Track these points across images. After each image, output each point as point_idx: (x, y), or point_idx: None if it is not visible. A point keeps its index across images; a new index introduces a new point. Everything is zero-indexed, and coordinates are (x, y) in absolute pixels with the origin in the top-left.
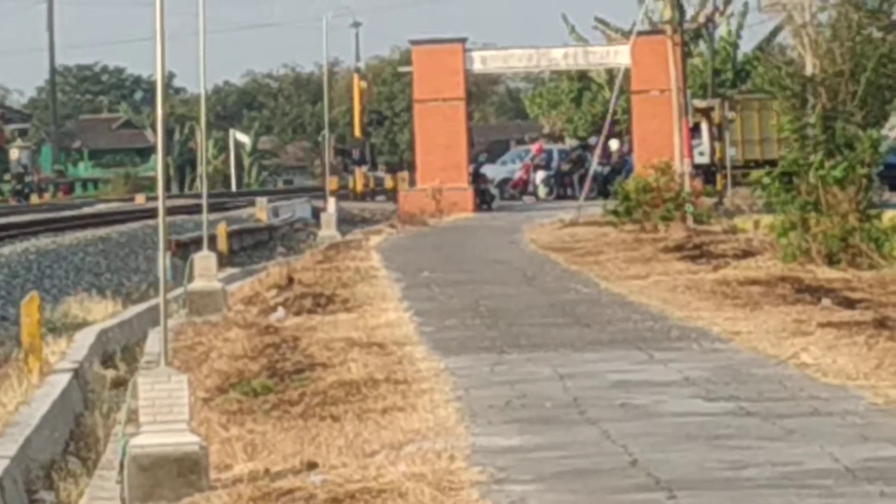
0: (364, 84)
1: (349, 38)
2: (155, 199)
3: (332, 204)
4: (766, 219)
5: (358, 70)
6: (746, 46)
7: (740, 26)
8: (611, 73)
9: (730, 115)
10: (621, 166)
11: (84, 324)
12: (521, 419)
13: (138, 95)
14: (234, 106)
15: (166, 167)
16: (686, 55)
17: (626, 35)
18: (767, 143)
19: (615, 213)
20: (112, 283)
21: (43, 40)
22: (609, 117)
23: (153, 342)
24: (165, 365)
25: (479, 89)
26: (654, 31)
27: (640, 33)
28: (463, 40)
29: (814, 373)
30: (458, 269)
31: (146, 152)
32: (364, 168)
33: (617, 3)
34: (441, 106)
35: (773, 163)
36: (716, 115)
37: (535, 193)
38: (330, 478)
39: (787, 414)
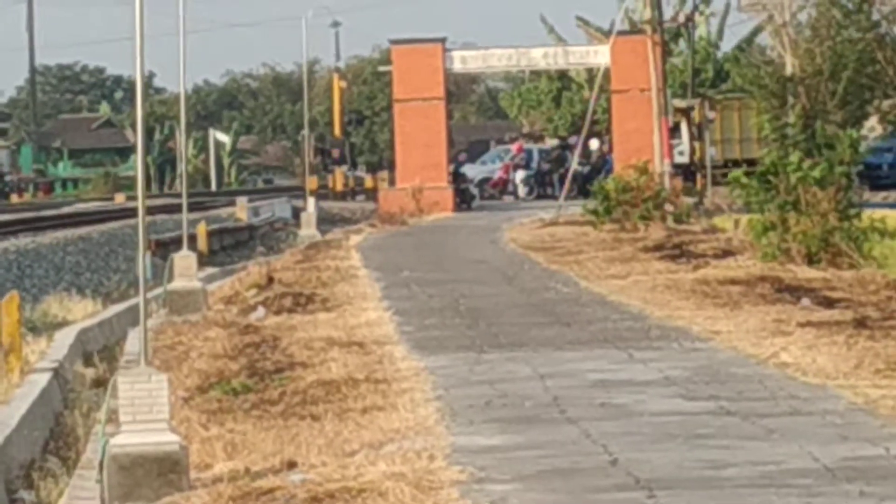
0: (344, 83)
1: (329, 38)
2: (135, 198)
3: (311, 203)
4: (746, 218)
5: (338, 69)
6: (727, 46)
7: (720, 26)
8: (590, 73)
9: (710, 114)
10: (601, 166)
11: (64, 323)
12: (501, 418)
13: (118, 95)
14: (213, 105)
15: (146, 167)
16: (666, 55)
17: (606, 34)
18: (747, 142)
19: (595, 212)
20: (92, 282)
21: (23, 40)
22: (589, 117)
23: (133, 341)
24: (145, 364)
25: (458, 89)
26: (634, 30)
27: (620, 33)
28: (443, 40)
29: (793, 372)
30: (438, 269)
31: (126, 152)
32: (344, 167)
33: (596, 2)
34: (421, 105)
35: (752, 162)
36: (696, 115)
37: (514, 193)
38: (310, 477)
39: (767, 413)
